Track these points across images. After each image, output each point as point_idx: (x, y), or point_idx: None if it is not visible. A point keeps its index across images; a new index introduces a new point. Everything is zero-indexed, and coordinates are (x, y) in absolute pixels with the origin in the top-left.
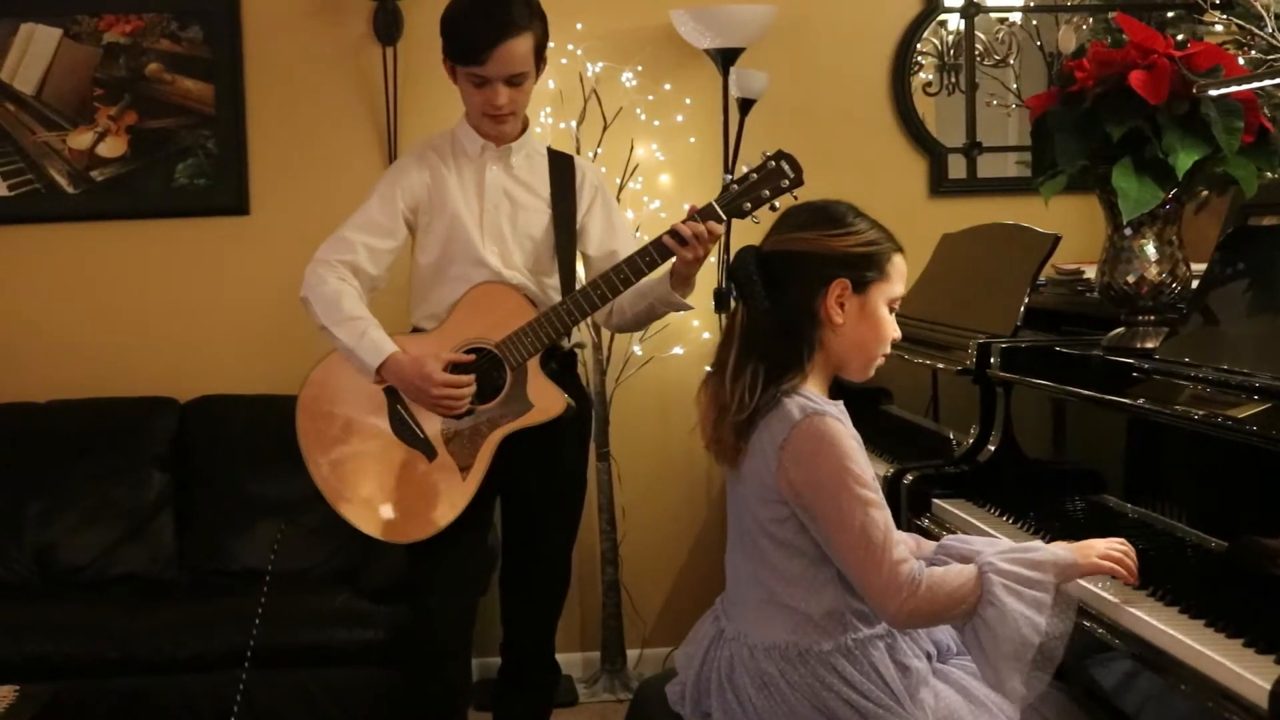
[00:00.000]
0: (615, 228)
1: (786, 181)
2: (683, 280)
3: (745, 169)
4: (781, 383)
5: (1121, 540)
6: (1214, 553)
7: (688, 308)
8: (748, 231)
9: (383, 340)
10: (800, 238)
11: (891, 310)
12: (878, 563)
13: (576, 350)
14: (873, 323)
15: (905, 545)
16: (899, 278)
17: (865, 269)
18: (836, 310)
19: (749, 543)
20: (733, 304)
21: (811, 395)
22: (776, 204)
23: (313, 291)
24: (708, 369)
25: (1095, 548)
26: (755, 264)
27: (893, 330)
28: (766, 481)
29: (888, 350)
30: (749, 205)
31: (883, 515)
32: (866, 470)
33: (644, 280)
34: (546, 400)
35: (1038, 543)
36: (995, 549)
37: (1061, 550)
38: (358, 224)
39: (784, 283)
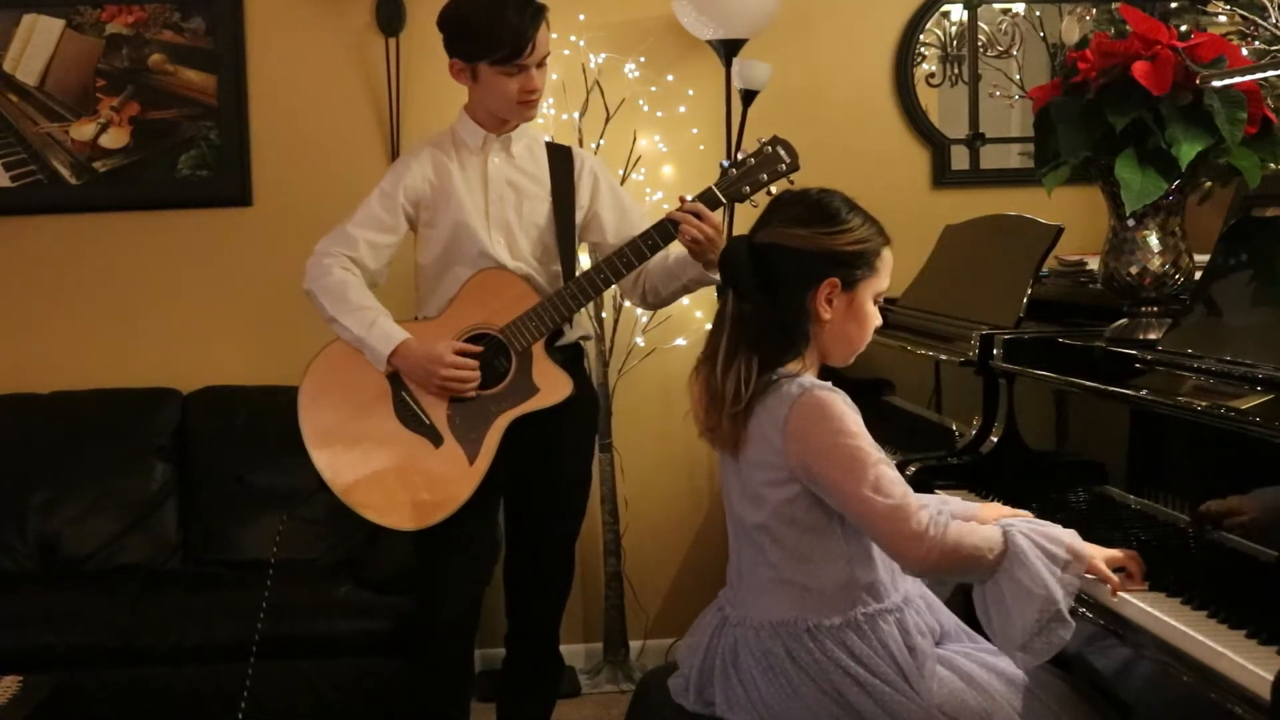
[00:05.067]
0: (627, 211)
1: (784, 166)
2: (707, 263)
3: (741, 155)
4: (778, 372)
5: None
6: (1216, 544)
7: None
8: (750, 217)
9: (393, 328)
10: (794, 234)
11: (876, 303)
12: (898, 512)
13: (582, 343)
14: (859, 318)
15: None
16: (886, 271)
17: (856, 267)
18: (825, 307)
19: (753, 526)
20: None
21: (806, 377)
22: (773, 189)
23: (317, 284)
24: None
25: (1104, 551)
26: (748, 255)
27: (876, 320)
28: (774, 463)
29: (869, 338)
30: (748, 189)
31: (891, 470)
32: (865, 433)
33: (675, 262)
34: (552, 384)
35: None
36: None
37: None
38: (359, 219)
39: (777, 278)
